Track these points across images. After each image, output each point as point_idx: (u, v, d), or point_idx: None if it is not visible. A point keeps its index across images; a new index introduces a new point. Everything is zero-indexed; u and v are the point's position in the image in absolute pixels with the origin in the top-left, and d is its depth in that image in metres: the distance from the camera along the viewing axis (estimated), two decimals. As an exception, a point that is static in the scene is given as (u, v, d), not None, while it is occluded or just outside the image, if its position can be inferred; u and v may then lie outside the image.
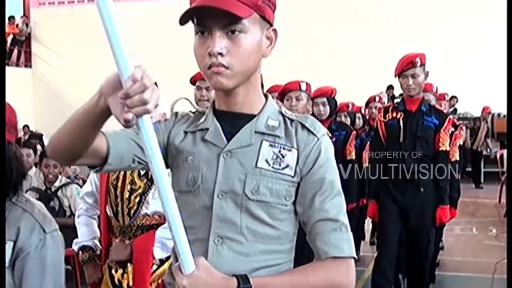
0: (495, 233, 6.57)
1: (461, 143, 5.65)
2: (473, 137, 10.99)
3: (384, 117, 3.69)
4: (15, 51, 15.87)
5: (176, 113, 1.39)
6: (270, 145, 1.27)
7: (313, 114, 4.08)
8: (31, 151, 4.80)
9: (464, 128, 10.35)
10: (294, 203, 1.28)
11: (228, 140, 1.28)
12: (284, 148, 1.27)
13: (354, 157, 4.30)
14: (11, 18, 15.43)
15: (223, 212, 1.25)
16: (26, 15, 16.27)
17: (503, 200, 8.03)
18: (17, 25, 15.77)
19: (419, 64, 3.51)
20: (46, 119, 14.57)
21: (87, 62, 14.89)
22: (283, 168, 1.26)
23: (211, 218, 1.25)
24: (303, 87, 3.61)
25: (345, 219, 1.27)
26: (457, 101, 11.67)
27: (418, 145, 3.55)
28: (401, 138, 3.56)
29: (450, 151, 3.91)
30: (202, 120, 1.33)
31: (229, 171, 1.25)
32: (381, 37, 12.81)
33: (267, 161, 1.26)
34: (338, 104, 4.96)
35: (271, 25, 1.28)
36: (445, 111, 5.41)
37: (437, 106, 3.91)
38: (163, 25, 14.02)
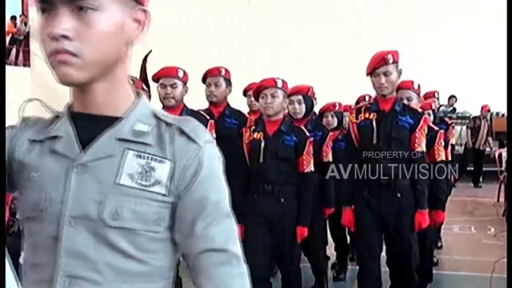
0: (493, 232, 6.57)
1: (454, 142, 5.59)
2: (475, 136, 10.97)
3: (356, 118, 3.46)
4: (14, 50, 15.84)
5: (25, 118, 1.10)
6: (137, 156, 0.99)
7: (288, 113, 3.95)
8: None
9: (457, 127, 10.31)
10: (170, 229, 1.02)
11: (84, 150, 1.00)
12: (154, 159, 1.00)
13: (331, 159, 4.07)
14: (13, 17, 15.42)
15: (74, 243, 0.97)
16: (24, 14, 16.24)
17: (502, 199, 8.04)
18: (15, 24, 15.75)
19: (391, 61, 3.29)
20: (45, 118, 14.56)
21: (86, 61, 14.85)
22: (152, 185, 0.99)
23: (58, 252, 0.97)
24: (279, 84, 3.43)
25: (236, 248, 1.03)
26: (456, 101, 11.65)
27: (393, 147, 3.33)
28: (374, 139, 3.35)
29: (436, 151, 3.75)
30: (54, 125, 1.05)
31: (82, 191, 0.98)
32: (375, 33, 12.79)
33: (131, 177, 0.98)
34: (325, 104, 4.80)
35: (141, 5, 1.02)
36: (436, 109, 5.20)
37: (412, 105, 3.69)
38: (159, 25, 14.03)
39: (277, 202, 3.37)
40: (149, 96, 1.90)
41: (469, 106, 11.86)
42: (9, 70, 14.69)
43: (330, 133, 4.26)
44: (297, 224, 3.41)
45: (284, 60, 12.64)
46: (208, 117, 3.65)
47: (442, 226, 5.29)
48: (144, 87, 1.83)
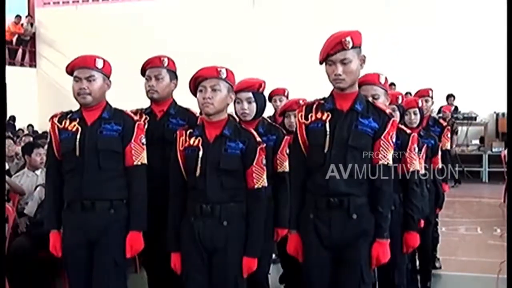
0: (499, 233, 6.55)
1: (449, 147, 5.02)
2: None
3: (306, 118, 2.68)
4: (20, 51, 15.90)
5: None
6: None
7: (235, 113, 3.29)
8: (41, 150, 4.87)
9: (463, 128, 10.13)
10: None
11: None
12: None
13: (287, 169, 3.25)
14: (17, 16, 15.48)
15: None
16: (30, 15, 16.31)
17: (508, 199, 8.03)
18: (22, 25, 15.82)
19: (351, 45, 2.51)
20: (50, 119, 14.63)
21: (91, 61, 14.91)
22: None
23: None
24: (223, 74, 2.73)
25: None
26: (454, 99, 11.50)
27: (348, 157, 2.56)
28: (326, 147, 2.58)
29: (407, 159, 3.12)
30: None
31: None
32: (376, 33, 12.75)
33: None
34: (286, 102, 4.03)
35: None
36: (427, 109, 4.65)
37: (379, 104, 2.77)
38: (164, 26, 14.05)
39: (218, 225, 2.70)
40: None
41: (474, 107, 11.78)
42: (16, 70, 14.76)
43: (287, 137, 3.38)
44: (245, 255, 2.74)
45: (290, 61, 12.63)
46: (135, 118, 3.07)
47: (450, 227, 5.24)
48: None
